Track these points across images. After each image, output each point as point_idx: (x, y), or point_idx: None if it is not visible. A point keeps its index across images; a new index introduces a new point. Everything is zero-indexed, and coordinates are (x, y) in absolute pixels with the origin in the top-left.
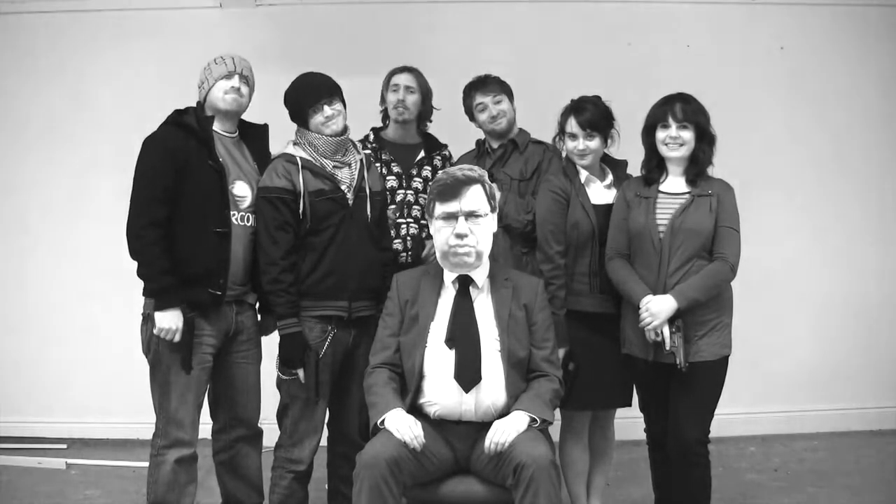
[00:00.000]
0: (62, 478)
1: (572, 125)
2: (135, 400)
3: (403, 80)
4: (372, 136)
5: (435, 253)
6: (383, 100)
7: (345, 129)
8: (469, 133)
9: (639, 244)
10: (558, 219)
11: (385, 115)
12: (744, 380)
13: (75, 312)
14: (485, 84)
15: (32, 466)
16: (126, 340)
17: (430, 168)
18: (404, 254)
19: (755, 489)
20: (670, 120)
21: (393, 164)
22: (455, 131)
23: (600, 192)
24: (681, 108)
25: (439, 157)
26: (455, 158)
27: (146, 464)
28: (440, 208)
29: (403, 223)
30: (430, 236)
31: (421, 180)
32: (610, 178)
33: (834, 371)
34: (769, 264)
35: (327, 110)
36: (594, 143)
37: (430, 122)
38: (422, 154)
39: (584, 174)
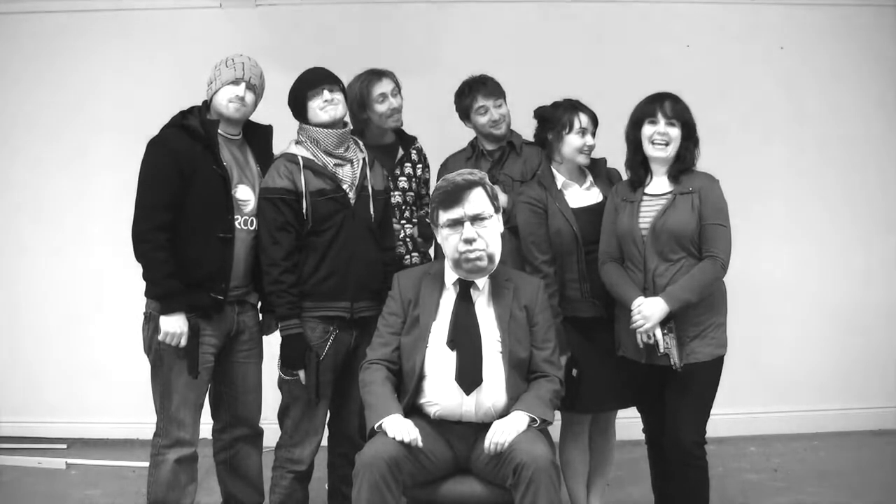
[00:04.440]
0: (62, 478)
1: (584, 121)
2: (135, 400)
3: (388, 86)
4: (350, 128)
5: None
6: (362, 109)
7: (345, 124)
8: (461, 134)
9: (625, 247)
10: (538, 228)
11: (364, 125)
12: (744, 380)
13: (76, 312)
14: (486, 86)
15: (32, 466)
16: (126, 340)
17: (409, 164)
18: (407, 256)
19: (755, 489)
20: (659, 116)
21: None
22: (450, 131)
23: (579, 196)
24: (670, 105)
25: (414, 151)
26: (439, 159)
27: (146, 464)
28: (444, 216)
29: (398, 226)
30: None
31: (405, 178)
32: (589, 179)
33: (834, 371)
34: (768, 265)
35: (326, 94)
36: (593, 141)
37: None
38: (400, 152)
39: (560, 180)
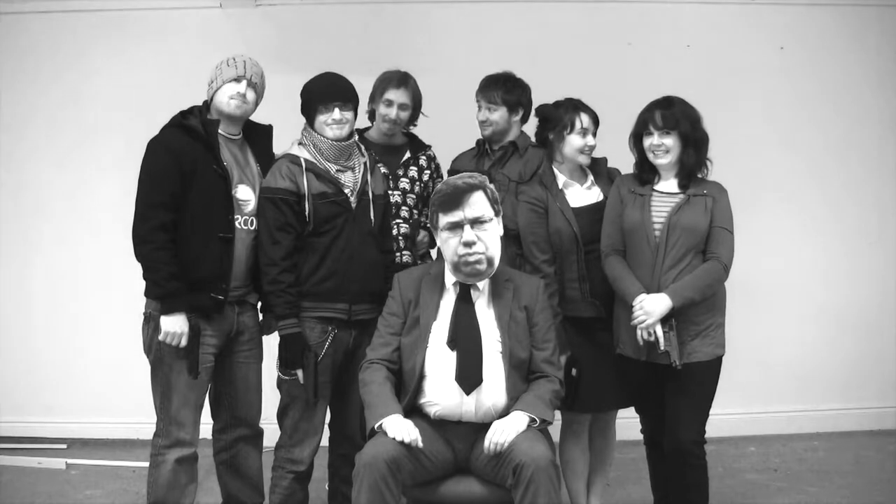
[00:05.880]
0: (62, 478)
1: (585, 121)
2: (135, 400)
3: (399, 97)
4: (356, 138)
5: (426, 239)
6: (372, 100)
7: (350, 136)
8: (462, 135)
9: (633, 241)
10: (539, 228)
11: (371, 115)
12: (744, 380)
13: (76, 312)
14: (490, 88)
15: (32, 466)
16: (126, 340)
17: (415, 168)
18: (398, 254)
19: (755, 489)
20: (651, 128)
21: (379, 165)
22: (450, 131)
23: (580, 195)
24: (660, 115)
25: (424, 157)
26: (439, 159)
27: (146, 464)
28: (444, 219)
29: (394, 224)
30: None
31: (408, 180)
32: (590, 178)
33: (834, 371)
34: (769, 266)
35: (336, 114)
36: (594, 142)
37: (415, 125)
38: (407, 154)
39: (561, 179)
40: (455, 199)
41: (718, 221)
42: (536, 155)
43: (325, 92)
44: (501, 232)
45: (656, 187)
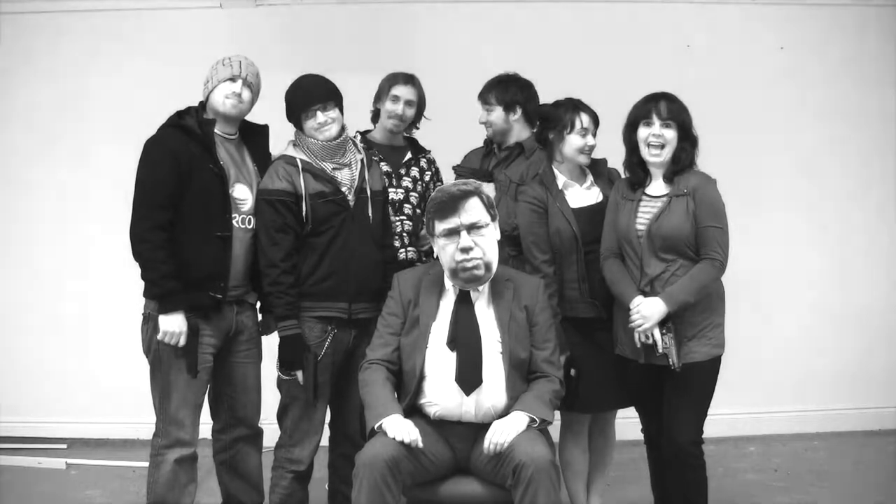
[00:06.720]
0: (62, 478)
1: (585, 121)
2: (135, 400)
3: (406, 93)
4: (359, 138)
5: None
6: (378, 99)
7: (341, 133)
8: (461, 136)
9: (623, 246)
10: (538, 228)
11: (375, 115)
12: (744, 380)
13: (75, 312)
14: (487, 90)
15: (32, 466)
16: (126, 340)
17: (417, 168)
18: (403, 250)
19: (755, 489)
20: (654, 117)
21: (382, 163)
22: (450, 132)
23: (580, 195)
24: (666, 106)
25: (425, 160)
26: (438, 160)
27: (146, 464)
28: (440, 226)
29: (398, 221)
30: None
31: (410, 179)
32: (590, 178)
33: (833, 371)
34: (768, 266)
35: (320, 117)
36: (594, 141)
37: (417, 128)
38: (409, 155)
39: (561, 180)
40: (450, 205)
41: (704, 221)
42: (542, 159)
43: (303, 99)
44: (498, 236)
45: (646, 191)
